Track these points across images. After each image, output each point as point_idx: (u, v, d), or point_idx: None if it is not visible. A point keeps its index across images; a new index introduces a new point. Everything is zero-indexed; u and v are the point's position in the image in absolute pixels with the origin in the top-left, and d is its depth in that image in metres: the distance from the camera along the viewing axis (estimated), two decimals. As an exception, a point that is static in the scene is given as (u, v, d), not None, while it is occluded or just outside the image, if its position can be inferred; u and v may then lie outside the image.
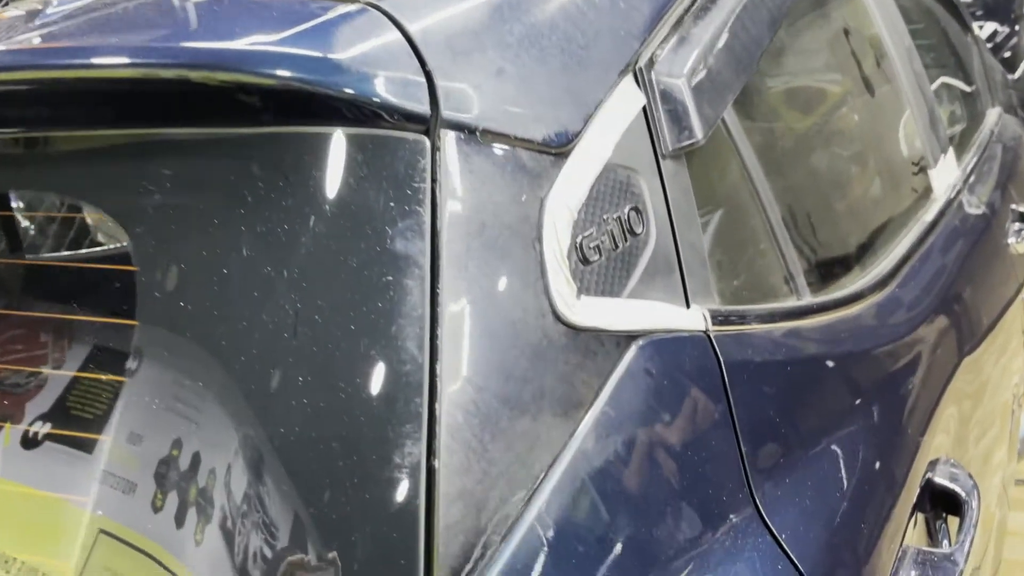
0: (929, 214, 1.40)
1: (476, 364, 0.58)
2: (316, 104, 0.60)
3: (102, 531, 0.63)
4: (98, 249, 0.75)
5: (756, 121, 1.01)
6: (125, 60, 0.63)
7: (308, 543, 0.55)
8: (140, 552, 0.61)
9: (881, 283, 1.12)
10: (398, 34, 0.64)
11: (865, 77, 1.34)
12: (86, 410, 0.65)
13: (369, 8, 0.65)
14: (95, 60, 0.64)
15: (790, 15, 1.15)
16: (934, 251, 1.35)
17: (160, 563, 0.60)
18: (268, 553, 0.56)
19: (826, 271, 1.05)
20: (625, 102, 0.78)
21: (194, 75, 0.60)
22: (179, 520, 0.60)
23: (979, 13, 4.81)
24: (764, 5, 0.99)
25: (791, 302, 0.93)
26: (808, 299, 0.96)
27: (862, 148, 1.28)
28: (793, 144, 1.09)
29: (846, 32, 1.34)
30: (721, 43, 0.89)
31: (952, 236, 1.45)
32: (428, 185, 0.61)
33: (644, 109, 0.80)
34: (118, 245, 0.69)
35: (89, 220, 0.77)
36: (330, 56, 0.60)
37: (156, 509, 0.61)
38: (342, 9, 0.65)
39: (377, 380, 0.56)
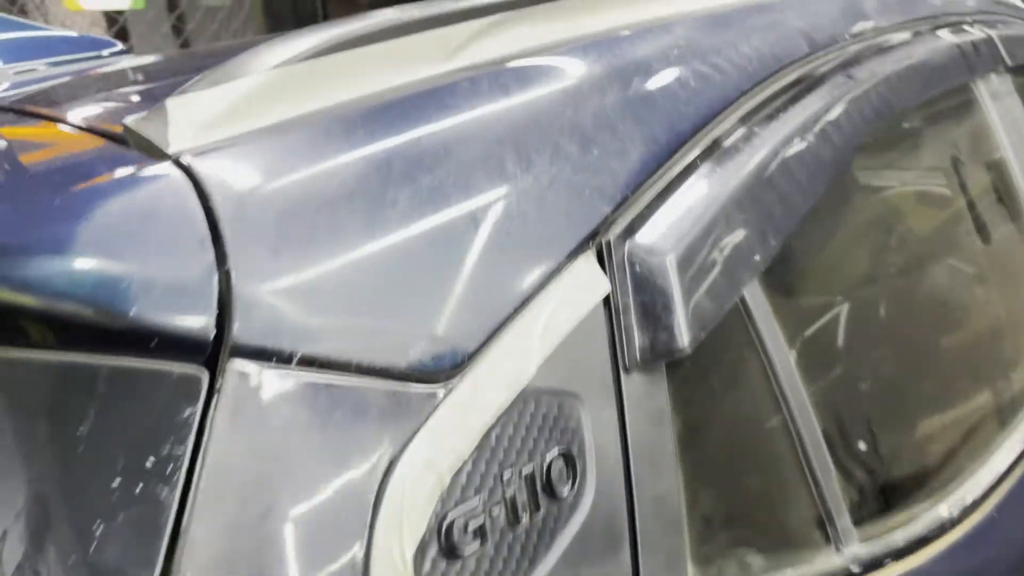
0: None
1: None
2: (53, 322, 0.41)
3: None
4: None
5: (793, 295, 0.76)
6: None
7: None
8: None
9: (969, 509, 0.84)
10: (198, 210, 0.44)
11: (977, 218, 1.05)
12: None
13: (174, 169, 0.46)
14: None
15: (869, 145, 0.89)
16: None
17: None
18: None
19: (885, 502, 0.77)
20: (575, 291, 0.55)
21: None
22: None
23: None
24: (818, 147, 0.74)
25: (822, 561, 0.67)
26: (853, 550, 0.69)
27: (962, 320, 0.99)
28: (853, 322, 0.82)
29: (955, 161, 1.06)
30: (740, 205, 0.65)
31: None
32: (189, 446, 0.40)
33: (607, 301, 0.57)
34: None
35: None
36: (79, 252, 0.40)
37: None
38: (138, 171, 0.46)
39: None
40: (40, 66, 0.99)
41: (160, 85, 0.73)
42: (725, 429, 0.66)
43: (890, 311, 0.86)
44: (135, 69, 0.81)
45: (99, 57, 1.09)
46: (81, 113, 0.58)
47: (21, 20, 1.22)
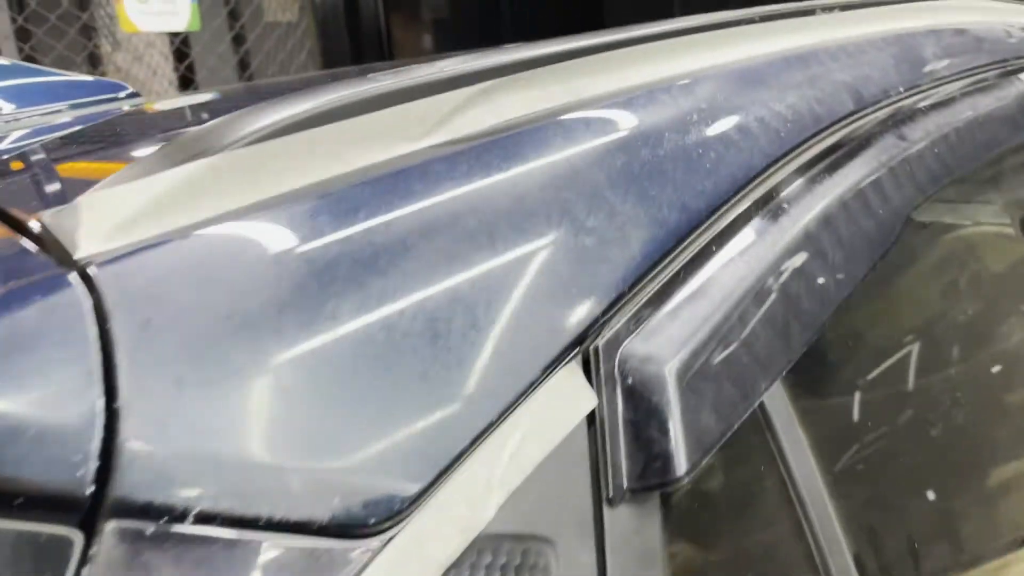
0: None
1: None
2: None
3: None
4: None
5: (827, 395, 0.67)
6: None
7: None
8: None
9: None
10: (92, 335, 0.38)
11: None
12: None
13: (77, 281, 0.40)
14: None
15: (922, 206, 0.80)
16: None
17: None
18: None
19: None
20: (552, 412, 0.48)
21: None
22: None
23: None
24: (858, 225, 0.65)
25: None
26: None
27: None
28: (902, 425, 0.72)
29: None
30: (760, 299, 0.57)
31: None
32: (52, 631, 0.34)
33: (590, 419, 0.49)
34: None
35: None
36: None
37: None
38: (33, 283, 0.40)
39: None
40: (44, 112, 0.96)
41: (134, 148, 0.68)
42: (733, 569, 0.57)
43: (941, 416, 0.76)
44: (119, 127, 0.77)
45: (114, 100, 1.06)
46: (17, 195, 0.53)
47: (30, 65, 1.22)
